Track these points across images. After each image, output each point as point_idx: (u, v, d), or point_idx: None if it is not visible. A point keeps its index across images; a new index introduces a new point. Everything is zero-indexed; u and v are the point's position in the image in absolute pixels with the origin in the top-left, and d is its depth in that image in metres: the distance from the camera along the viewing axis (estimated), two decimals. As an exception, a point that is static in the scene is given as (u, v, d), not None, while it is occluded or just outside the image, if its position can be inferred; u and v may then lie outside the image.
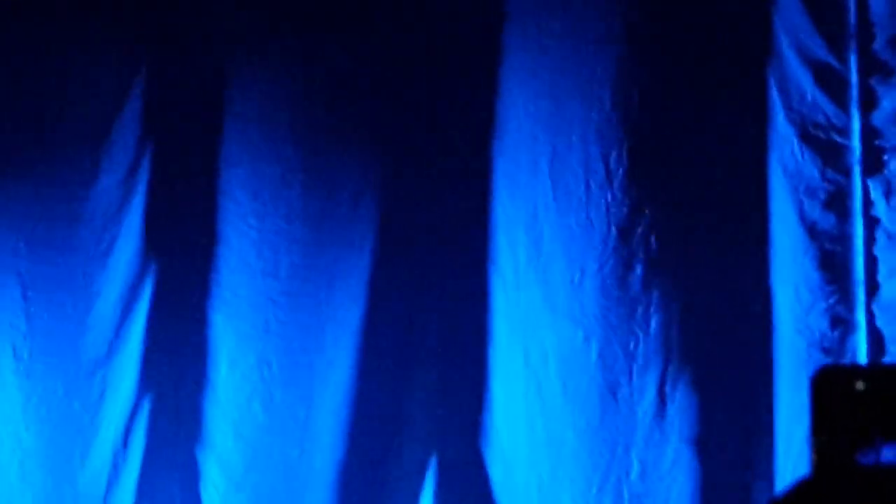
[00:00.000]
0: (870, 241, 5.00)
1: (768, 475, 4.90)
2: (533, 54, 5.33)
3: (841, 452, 2.26)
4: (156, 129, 5.89)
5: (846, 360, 4.87)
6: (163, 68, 5.85)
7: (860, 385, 2.29)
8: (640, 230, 5.19)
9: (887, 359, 4.88)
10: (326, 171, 5.70)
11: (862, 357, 4.95)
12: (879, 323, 4.93)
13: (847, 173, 5.04)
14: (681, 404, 5.04)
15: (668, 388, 5.08)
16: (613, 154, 5.17)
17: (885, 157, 5.00)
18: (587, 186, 5.26)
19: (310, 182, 5.72)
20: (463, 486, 5.22)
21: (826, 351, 4.93)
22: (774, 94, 5.09)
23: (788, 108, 5.08)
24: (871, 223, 5.01)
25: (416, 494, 5.23)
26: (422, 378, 5.39)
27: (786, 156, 5.10)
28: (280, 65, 5.76)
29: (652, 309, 5.12)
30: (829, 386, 2.32)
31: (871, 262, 4.99)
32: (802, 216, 5.07)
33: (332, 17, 5.73)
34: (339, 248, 5.65)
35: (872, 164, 5.02)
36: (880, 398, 2.24)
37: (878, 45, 5.02)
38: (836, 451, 2.27)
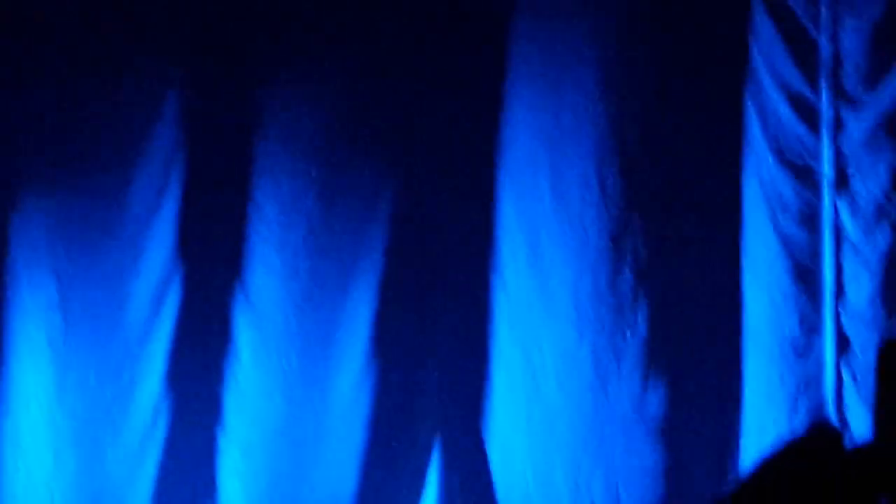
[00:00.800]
0: (837, 252, 5.51)
1: (735, 457, 5.40)
2: (534, 73, 5.82)
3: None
4: (188, 141, 6.38)
5: (812, 358, 5.37)
6: (196, 84, 6.34)
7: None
8: (629, 239, 5.69)
9: (851, 357, 5.38)
10: (342, 185, 6.19)
11: (828, 356, 5.46)
12: (844, 322, 5.43)
13: (817, 191, 5.55)
14: (661, 396, 5.54)
15: (651, 382, 5.57)
16: (605, 170, 5.68)
17: (851, 178, 5.51)
18: (582, 199, 5.76)
19: (327, 194, 6.20)
20: (465, 467, 5.70)
21: (794, 349, 5.43)
22: (752, 117, 5.61)
23: (765, 131, 5.59)
24: (839, 236, 5.52)
25: (422, 474, 5.71)
26: (429, 371, 5.87)
27: (762, 174, 5.61)
28: (301, 85, 6.26)
29: (639, 310, 5.62)
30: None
31: (838, 271, 5.50)
32: (777, 229, 5.58)
33: (348, 43, 6.24)
34: (353, 254, 6.15)
35: (840, 184, 5.53)
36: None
37: (846, 76, 5.53)
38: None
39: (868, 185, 5.48)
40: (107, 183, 6.42)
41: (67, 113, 6.44)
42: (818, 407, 5.44)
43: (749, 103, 5.63)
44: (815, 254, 5.56)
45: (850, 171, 5.54)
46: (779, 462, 2.21)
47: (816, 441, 2.30)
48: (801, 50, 5.60)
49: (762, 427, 5.43)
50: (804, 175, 5.58)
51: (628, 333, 5.62)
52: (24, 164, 6.46)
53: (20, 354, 6.31)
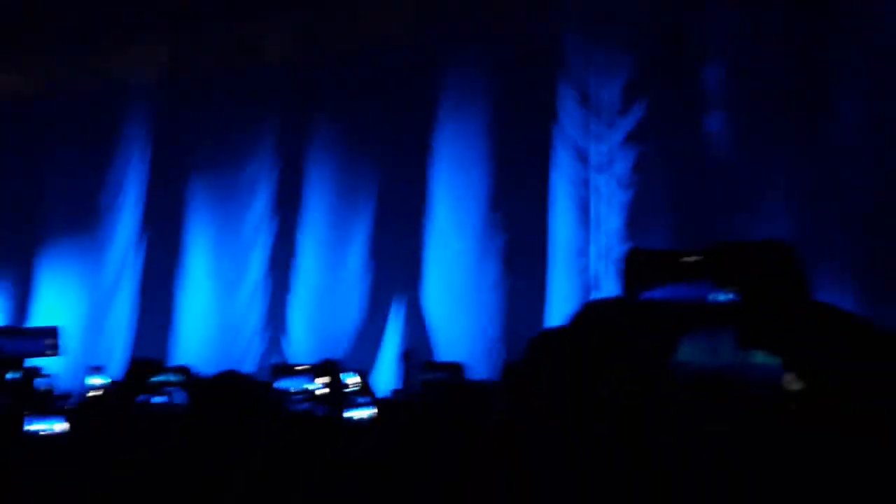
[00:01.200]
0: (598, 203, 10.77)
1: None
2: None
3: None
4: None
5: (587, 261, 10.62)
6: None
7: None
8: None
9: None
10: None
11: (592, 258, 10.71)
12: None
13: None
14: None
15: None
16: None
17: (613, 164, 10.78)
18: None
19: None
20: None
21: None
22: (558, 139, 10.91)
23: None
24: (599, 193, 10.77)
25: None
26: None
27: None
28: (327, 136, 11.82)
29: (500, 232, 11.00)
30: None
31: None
32: (576, 193, 10.84)
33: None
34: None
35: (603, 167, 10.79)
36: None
37: (610, 113, 10.78)
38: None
39: (620, 168, 10.74)
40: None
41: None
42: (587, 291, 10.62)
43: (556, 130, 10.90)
44: (588, 202, 10.81)
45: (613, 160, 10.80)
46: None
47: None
48: (586, 99, 10.87)
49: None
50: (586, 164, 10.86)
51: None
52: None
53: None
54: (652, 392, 2.03)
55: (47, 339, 6.45)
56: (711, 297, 2.73)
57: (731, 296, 2.67)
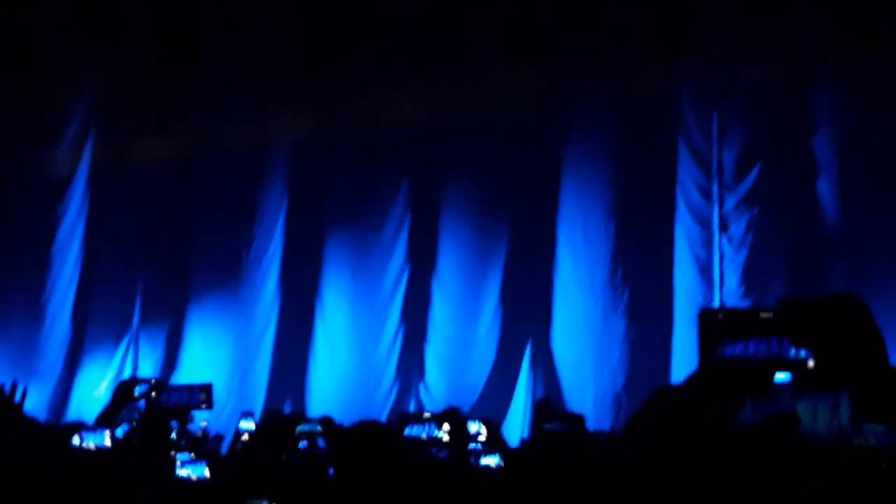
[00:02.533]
0: (721, 260, 11.15)
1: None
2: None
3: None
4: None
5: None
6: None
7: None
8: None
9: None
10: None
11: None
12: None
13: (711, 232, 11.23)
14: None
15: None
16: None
17: (730, 225, 11.17)
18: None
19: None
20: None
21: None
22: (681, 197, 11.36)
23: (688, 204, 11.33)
24: (721, 252, 11.17)
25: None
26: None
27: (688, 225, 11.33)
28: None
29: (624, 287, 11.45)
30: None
31: (721, 269, 11.15)
32: (692, 251, 11.27)
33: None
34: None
35: (722, 227, 11.20)
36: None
37: (726, 176, 11.22)
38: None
39: (735, 229, 11.15)
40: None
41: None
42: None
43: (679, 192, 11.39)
44: (710, 260, 11.22)
45: (728, 222, 11.22)
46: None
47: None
48: (704, 164, 11.33)
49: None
50: (705, 224, 11.29)
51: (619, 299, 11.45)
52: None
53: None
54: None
55: (202, 394, 7.08)
56: (785, 352, 3.08)
57: (803, 352, 2.99)
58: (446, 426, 6.81)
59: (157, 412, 6.95)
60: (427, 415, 7.68)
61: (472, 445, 7.51)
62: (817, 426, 2.21)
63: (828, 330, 2.80)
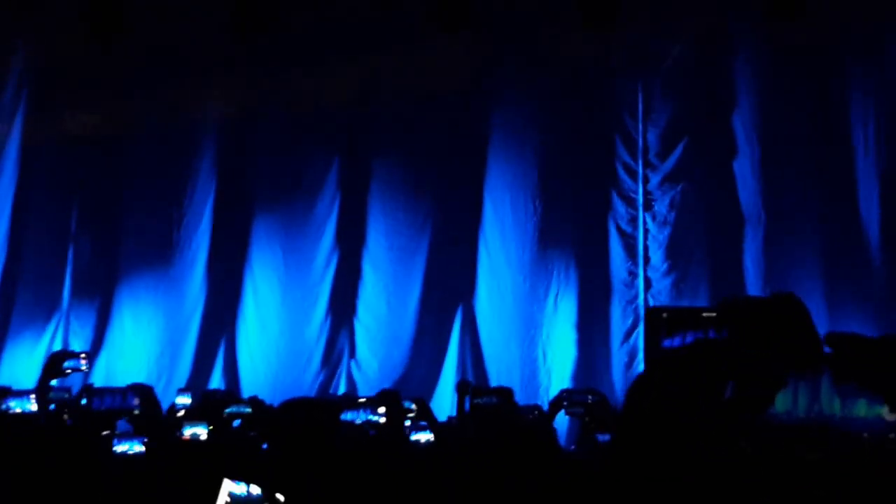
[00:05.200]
0: (645, 237, 11.39)
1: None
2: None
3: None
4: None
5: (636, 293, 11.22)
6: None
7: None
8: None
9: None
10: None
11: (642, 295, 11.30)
12: (649, 273, 11.31)
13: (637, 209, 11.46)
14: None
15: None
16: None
17: (653, 203, 11.40)
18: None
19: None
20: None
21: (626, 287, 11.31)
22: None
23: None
24: (646, 230, 11.41)
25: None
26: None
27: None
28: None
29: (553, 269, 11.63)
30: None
31: (645, 246, 11.38)
32: (618, 228, 11.50)
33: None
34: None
35: (647, 206, 11.43)
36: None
37: (650, 154, 11.45)
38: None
39: (659, 207, 11.38)
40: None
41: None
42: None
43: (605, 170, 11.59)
44: (636, 237, 11.45)
45: (653, 199, 11.45)
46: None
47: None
48: (631, 141, 11.55)
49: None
50: (632, 202, 11.51)
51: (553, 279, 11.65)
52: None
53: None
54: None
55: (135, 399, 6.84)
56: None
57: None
58: (382, 409, 6.90)
59: (87, 417, 6.84)
60: (363, 399, 7.73)
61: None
62: (798, 410, 2.23)
63: (767, 327, 2.97)
